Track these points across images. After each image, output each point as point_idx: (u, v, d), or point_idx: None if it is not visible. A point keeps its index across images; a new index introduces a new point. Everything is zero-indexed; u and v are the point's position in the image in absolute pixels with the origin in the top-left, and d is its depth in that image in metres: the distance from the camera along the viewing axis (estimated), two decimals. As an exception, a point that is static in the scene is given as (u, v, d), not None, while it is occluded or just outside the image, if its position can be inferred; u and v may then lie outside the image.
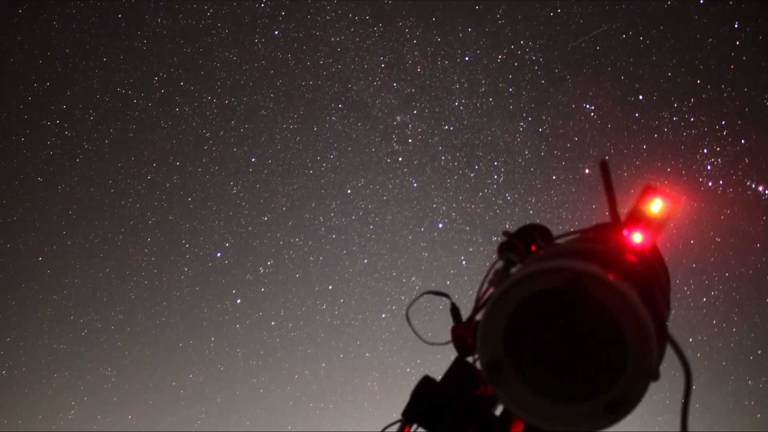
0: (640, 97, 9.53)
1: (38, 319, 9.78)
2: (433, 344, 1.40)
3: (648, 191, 1.12)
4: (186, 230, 10.23)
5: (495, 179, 10.18)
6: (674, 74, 9.39)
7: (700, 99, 9.35)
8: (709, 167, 9.39)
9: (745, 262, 9.55)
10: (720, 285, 9.65)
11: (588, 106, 9.68)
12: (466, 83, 10.03)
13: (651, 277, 0.94)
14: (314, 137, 10.35)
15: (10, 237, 9.54)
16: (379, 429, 1.34)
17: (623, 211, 1.25)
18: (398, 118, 10.23)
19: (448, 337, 1.35)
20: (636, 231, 0.93)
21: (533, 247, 1.28)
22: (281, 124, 10.24)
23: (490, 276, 1.18)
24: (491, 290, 1.20)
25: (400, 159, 10.32)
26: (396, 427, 1.33)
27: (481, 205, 10.27)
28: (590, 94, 9.69)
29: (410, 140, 10.23)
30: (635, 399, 0.87)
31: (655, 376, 0.90)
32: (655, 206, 1.08)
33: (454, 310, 1.40)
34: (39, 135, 9.55)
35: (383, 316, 10.45)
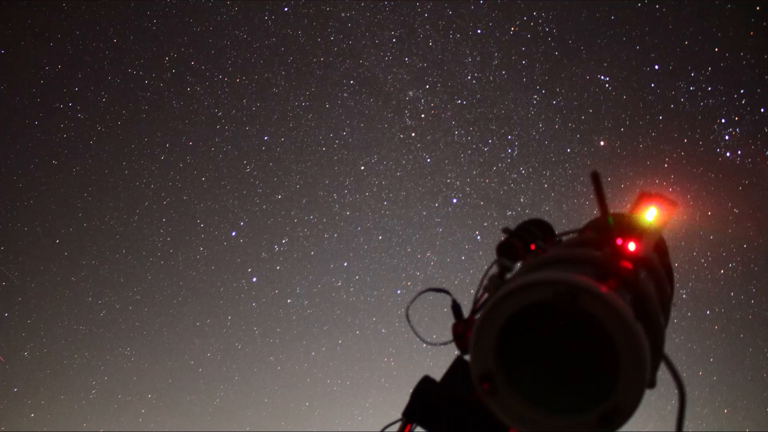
0: (656, 66, 9.37)
1: (57, 300, 9.94)
2: (433, 344, 1.38)
3: (643, 199, 1.09)
4: (200, 210, 10.30)
5: (509, 153, 10.12)
6: (691, 42, 9.22)
7: (717, 67, 9.19)
8: (727, 137, 9.25)
9: (764, 233, 9.44)
10: (738, 257, 9.56)
11: (602, 78, 9.54)
12: (478, 56, 9.92)
13: (647, 288, 0.92)
14: (326, 114, 10.32)
15: (28, 220, 9.66)
16: (381, 425, 1.34)
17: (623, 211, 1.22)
18: (410, 93, 10.16)
19: (450, 337, 1.33)
20: (631, 239, 0.90)
21: (533, 246, 1.25)
22: (293, 101, 10.22)
23: (485, 282, 1.16)
24: (486, 296, 1.18)
25: (413, 134, 10.28)
26: (396, 426, 1.32)
27: (495, 180, 10.22)
28: (605, 65, 9.55)
29: (423, 115, 10.17)
30: (628, 412, 0.85)
31: (651, 384, 0.88)
32: (650, 214, 1.05)
33: (456, 307, 1.37)
34: (52, 118, 9.61)
35: (398, 291, 10.50)
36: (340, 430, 10.27)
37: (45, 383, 9.82)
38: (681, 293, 9.60)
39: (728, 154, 9.26)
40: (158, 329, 10.29)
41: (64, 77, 9.59)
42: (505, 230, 1.32)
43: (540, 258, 1.01)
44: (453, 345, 1.28)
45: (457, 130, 10.17)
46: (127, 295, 10.11)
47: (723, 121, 9.24)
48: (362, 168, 10.43)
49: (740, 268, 9.54)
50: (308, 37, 9.97)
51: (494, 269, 1.14)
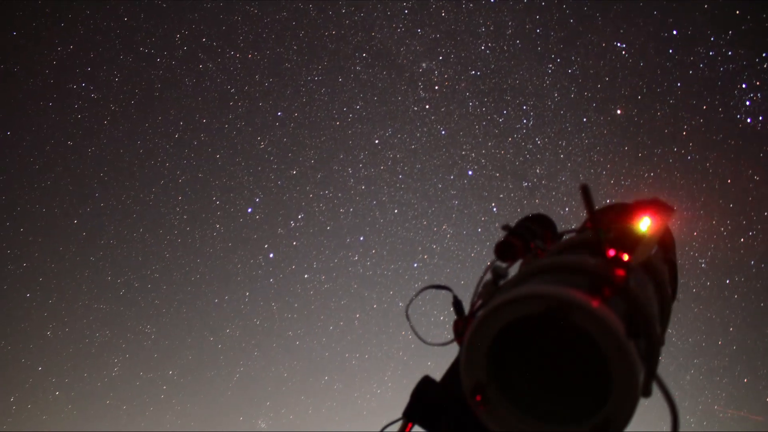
0: (674, 32, 9.17)
1: (77, 280, 10.07)
2: (433, 344, 1.36)
3: (637, 209, 1.06)
4: (216, 187, 10.32)
5: (524, 123, 10.01)
6: (711, 6, 8.99)
7: (738, 31, 8.96)
8: (748, 103, 9.06)
9: (786, 200, 9.29)
10: (758, 224, 9.42)
11: (619, 44, 9.36)
12: (492, 26, 9.77)
13: (642, 297, 0.89)
14: (339, 88, 10.26)
15: (46, 202, 9.75)
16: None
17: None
18: (424, 64, 10.05)
19: (450, 336, 1.31)
20: (624, 249, 0.87)
21: (532, 245, 1.23)
22: (306, 76, 10.15)
23: (480, 289, 1.14)
24: (480, 302, 1.16)
25: (427, 107, 10.19)
26: (395, 426, 1.31)
27: (511, 151, 10.13)
28: (621, 31, 9.35)
29: (437, 87, 10.07)
30: (621, 425, 0.84)
31: (646, 393, 0.86)
32: (644, 224, 1.02)
33: (457, 304, 1.35)
34: (66, 99, 9.65)
35: (415, 265, 10.50)
36: (340, 430, 10.38)
37: (68, 362, 10.01)
38: (700, 263, 9.51)
39: (749, 120, 9.08)
40: (177, 306, 10.42)
41: (76, 57, 9.60)
42: (505, 228, 1.29)
43: (534, 265, 0.99)
44: (453, 345, 1.27)
45: (472, 102, 10.07)
46: (145, 273, 10.23)
47: (744, 86, 9.04)
48: (376, 141, 10.39)
49: (761, 236, 9.40)
50: (319, 11, 9.89)
51: (488, 276, 1.12)
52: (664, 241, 1.23)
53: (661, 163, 9.61)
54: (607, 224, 1.09)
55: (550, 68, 9.76)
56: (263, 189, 10.37)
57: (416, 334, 1.42)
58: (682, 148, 9.46)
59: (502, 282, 1.10)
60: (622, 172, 9.81)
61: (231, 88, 10.07)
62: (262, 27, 9.91)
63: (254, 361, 10.63)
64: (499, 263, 1.14)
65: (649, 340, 0.89)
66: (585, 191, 0.83)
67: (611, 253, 0.86)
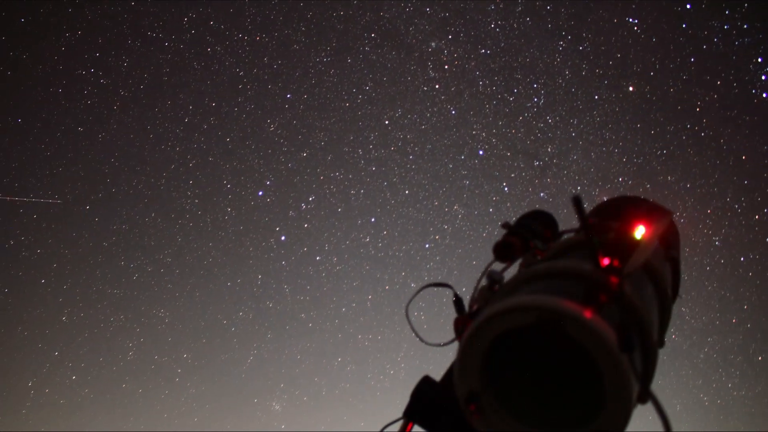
0: (688, 6, 9.00)
1: (90, 266, 10.15)
2: (434, 345, 1.35)
3: (631, 217, 1.03)
4: (226, 171, 10.33)
5: (535, 102, 9.92)
6: (725, -22, 8.82)
7: (754, 3, 8.79)
8: (763, 77, 8.90)
9: (802, 175, 9.17)
10: (774, 201, 9.31)
11: (631, 20, 9.21)
12: (501, 3, 9.65)
13: (639, 308, 0.87)
14: (348, 69, 10.19)
15: (57, 188, 9.81)
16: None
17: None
18: (433, 44, 9.96)
19: (451, 337, 1.30)
20: (618, 257, 0.85)
21: (531, 244, 1.20)
22: (314, 57, 10.10)
23: (476, 294, 1.12)
24: (476, 307, 1.14)
25: (437, 86, 10.11)
26: (395, 426, 1.31)
27: (522, 130, 10.05)
28: (633, 6, 9.20)
29: (446, 66, 9.98)
30: None
31: (643, 399, 0.85)
32: (639, 232, 1.00)
33: (457, 301, 1.33)
34: (75, 85, 9.66)
35: (427, 246, 10.49)
36: (339, 430, 10.44)
37: (84, 346, 10.13)
38: (714, 240, 9.43)
39: (765, 95, 8.94)
40: (190, 290, 10.50)
41: (84, 43, 9.59)
42: (504, 225, 1.27)
43: (528, 271, 0.97)
44: (452, 345, 1.25)
45: (482, 81, 9.98)
46: (158, 258, 10.30)
47: (759, 60, 8.89)
48: (386, 122, 10.34)
49: (776, 212, 9.30)
50: (327, -9, 9.80)
51: (484, 281, 1.10)
52: (667, 238, 1.21)
53: (674, 140, 9.52)
54: (602, 230, 1.06)
55: (561, 45, 9.65)
56: (274, 172, 10.38)
57: (416, 333, 1.41)
58: (695, 124, 9.35)
59: (497, 286, 1.08)
60: (635, 149, 9.73)
61: (239, 71, 10.05)
62: (269, 9, 9.86)
63: (267, 344, 10.72)
64: (494, 268, 1.12)
65: (645, 352, 0.87)
66: (577, 203, 0.82)
67: (605, 261, 0.84)
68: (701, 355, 9.78)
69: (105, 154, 9.98)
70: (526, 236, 1.22)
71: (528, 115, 9.95)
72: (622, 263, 0.86)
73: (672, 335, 9.61)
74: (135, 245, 10.25)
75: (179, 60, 9.93)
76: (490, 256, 1.27)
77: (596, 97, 9.73)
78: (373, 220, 10.55)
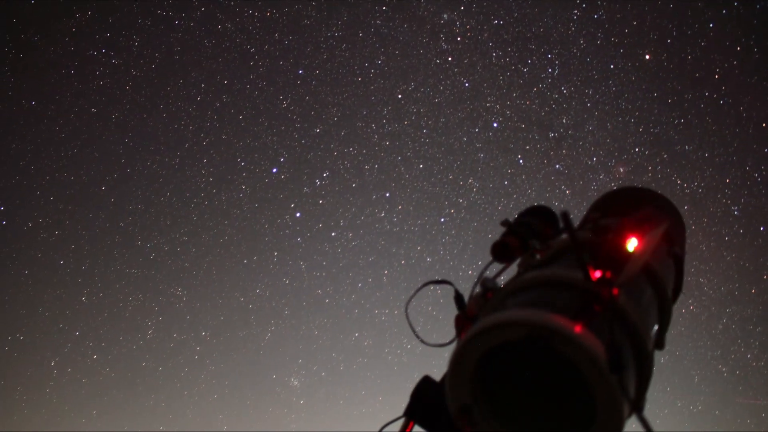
0: (706, -31, 8.79)
1: (108, 246, 10.24)
2: (434, 345, 1.33)
3: (624, 230, 1.00)
4: (240, 148, 10.32)
5: (549, 73, 9.77)
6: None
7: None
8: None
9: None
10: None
11: (647, -14, 9.01)
12: (513, -28, 9.47)
13: (632, 320, 0.85)
14: (360, 43, 10.09)
15: (73, 169, 9.86)
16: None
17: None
18: (445, 15, 9.82)
19: (451, 337, 1.29)
20: (610, 269, 0.83)
21: (530, 243, 1.18)
22: (325, 32, 10.00)
23: (470, 301, 1.11)
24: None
25: (450, 59, 9.99)
26: (393, 425, 1.31)
27: (536, 101, 9.92)
28: (649, -28, 8.99)
29: (459, 38, 9.85)
30: None
31: (638, 410, 0.83)
32: (631, 245, 0.97)
33: (458, 299, 1.32)
34: (87, 66, 9.65)
35: (442, 220, 10.46)
36: (341, 430, 10.51)
37: (104, 326, 10.27)
38: (732, 210, 9.30)
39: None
40: (207, 269, 10.56)
41: (95, 23, 9.57)
42: (504, 223, 1.25)
43: (523, 280, 0.96)
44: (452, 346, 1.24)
45: (495, 52, 9.83)
46: (174, 237, 10.35)
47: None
48: (399, 96, 10.25)
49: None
50: (337, -36, 9.68)
51: (478, 288, 1.09)
52: (670, 235, 1.17)
53: (692, 108, 9.35)
54: (599, 231, 1.04)
55: (576, 14, 9.47)
56: (287, 148, 10.36)
57: (416, 334, 1.39)
58: (714, 92, 9.17)
59: (491, 293, 1.06)
60: (651, 119, 9.58)
61: (251, 48, 9.98)
62: (279, -17, 9.76)
63: (285, 320, 10.79)
64: (487, 275, 1.10)
65: (640, 362, 0.85)
66: (566, 218, 0.79)
67: (597, 274, 0.82)
68: (720, 326, 9.72)
69: (119, 135, 10.02)
70: (524, 236, 1.20)
71: (542, 86, 9.82)
72: (615, 275, 0.84)
73: (690, 306, 9.56)
74: (151, 225, 10.33)
75: (190, 38, 9.89)
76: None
77: (612, 66, 9.57)
78: (387, 195, 10.53)
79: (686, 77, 9.26)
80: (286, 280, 10.72)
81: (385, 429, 1.31)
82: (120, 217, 10.20)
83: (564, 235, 1.16)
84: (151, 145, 10.16)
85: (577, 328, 0.77)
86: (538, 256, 1.16)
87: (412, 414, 1.31)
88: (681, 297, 1.20)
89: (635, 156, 9.68)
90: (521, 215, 1.29)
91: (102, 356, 10.18)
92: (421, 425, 1.29)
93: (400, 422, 1.31)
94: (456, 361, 0.87)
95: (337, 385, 10.81)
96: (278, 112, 10.28)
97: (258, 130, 10.30)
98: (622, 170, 9.68)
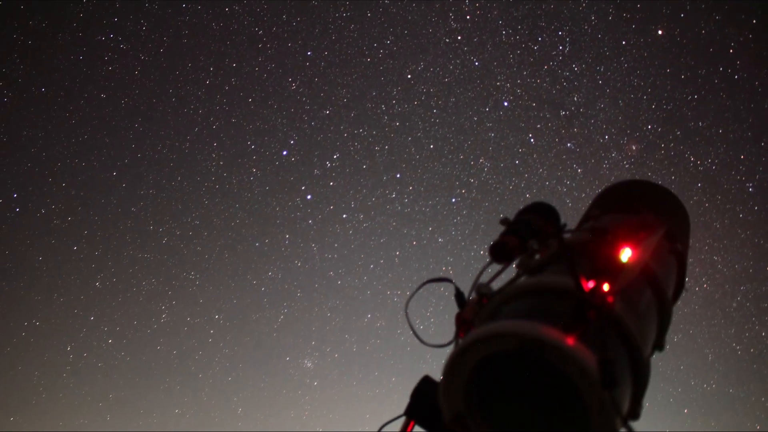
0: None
1: (120, 231, 10.30)
2: (434, 346, 1.32)
3: (618, 240, 0.98)
4: (250, 131, 10.31)
5: (560, 50, 9.65)
6: None
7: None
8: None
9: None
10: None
11: (659, -40, 8.84)
12: (523, -52, 9.32)
13: (628, 329, 0.83)
14: (368, 23, 10.01)
15: (84, 155, 9.91)
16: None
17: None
18: (453, -6, 9.69)
19: (450, 337, 1.27)
20: (606, 279, 0.82)
21: (529, 243, 1.16)
22: (333, 13, 9.92)
23: (466, 307, 1.09)
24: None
25: (459, 38, 9.89)
26: (393, 425, 1.30)
27: (547, 79, 9.81)
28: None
29: (468, 17, 9.74)
30: None
31: (635, 416, 0.83)
32: (625, 255, 0.95)
33: (459, 296, 1.30)
34: (95, 51, 9.65)
35: (453, 200, 10.43)
36: (341, 430, 10.54)
37: (118, 311, 10.37)
38: (747, 186, 9.19)
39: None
40: (219, 252, 10.62)
41: (102, 8, 9.55)
42: (503, 222, 1.23)
43: (518, 286, 0.94)
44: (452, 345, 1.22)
45: (505, 30, 9.72)
46: (186, 221, 10.40)
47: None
48: (409, 76, 10.18)
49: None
50: (343, -57, 9.58)
51: (474, 295, 1.07)
52: (672, 231, 1.15)
53: (705, 84, 9.21)
54: (597, 234, 1.02)
55: (587, -10, 9.32)
56: (297, 130, 10.34)
57: (416, 334, 1.38)
58: (728, 66, 9.02)
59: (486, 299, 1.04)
60: (664, 96, 9.46)
61: (259, 30, 9.93)
62: (286, -36, 9.68)
63: (297, 302, 10.85)
64: (482, 285, 1.08)
65: (635, 370, 0.84)
66: (561, 242, 0.77)
67: (590, 285, 0.80)
68: (734, 304, 9.66)
69: (128, 120, 10.03)
70: (524, 235, 1.18)
71: (553, 63, 9.71)
72: (610, 283, 0.82)
73: (704, 284, 9.50)
74: (162, 209, 10.37)
75: (197, 21, 9.86)
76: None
77: (623, 42, 9.43)
78: (398, 175, 10.50)
79: (700, 52, 9.12)
80: (298, 263, 10.76)
81: (385, 429, 1.31)
82: (132, 203, 10.26)
83: (566, 235, 1.14)
84: (161, 129, 10.18)
85: (570, 341, 0.75)
86: (537, 256, 1.14)
87: (412, 414, 1.30)
88: (683, 294, 1.18)
89: (648, 133, 9.58)
90: (521, 212, 1.26)
91: (117, 340, 10.29)
92: (421, 425, 1.28)
93: (400, 422, 1.31)
94: (449, 370, 0.87)
95: (350, 367, 10.89)
96: (287, 95, 10.26)
97: (267, 112, 10.28)
98: (634, 148, 9.59)
